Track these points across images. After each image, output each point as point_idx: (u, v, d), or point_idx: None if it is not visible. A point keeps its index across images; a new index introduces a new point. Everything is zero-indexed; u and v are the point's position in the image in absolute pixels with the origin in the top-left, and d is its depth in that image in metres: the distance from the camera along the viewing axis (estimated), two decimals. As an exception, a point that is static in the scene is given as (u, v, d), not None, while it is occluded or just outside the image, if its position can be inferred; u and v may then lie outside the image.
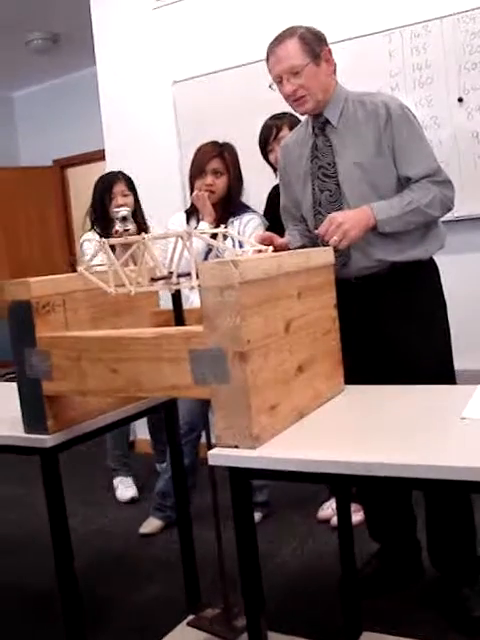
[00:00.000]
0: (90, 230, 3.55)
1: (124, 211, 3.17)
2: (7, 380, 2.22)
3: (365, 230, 2.16)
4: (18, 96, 6.66)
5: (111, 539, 3.23)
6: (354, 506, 2.79)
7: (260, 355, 1.54)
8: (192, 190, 3.09)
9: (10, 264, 6.29)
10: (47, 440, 1.85)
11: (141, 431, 4.44)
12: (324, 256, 1.93)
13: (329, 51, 2.32)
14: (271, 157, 3.08)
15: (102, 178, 3.57)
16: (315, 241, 2.32)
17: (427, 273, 2.36)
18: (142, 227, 3.50)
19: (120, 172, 3.63)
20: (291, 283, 1.71)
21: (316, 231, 2.20)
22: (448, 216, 2.84)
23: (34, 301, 1.81)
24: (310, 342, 1.79)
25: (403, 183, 2.25)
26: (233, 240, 2.93)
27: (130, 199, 3.49)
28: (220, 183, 3.06)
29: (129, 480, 3.82)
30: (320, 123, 2.36)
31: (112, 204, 3.41)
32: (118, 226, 3.17)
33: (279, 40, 2.30)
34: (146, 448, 4.38)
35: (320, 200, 2.36)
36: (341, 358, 1.98)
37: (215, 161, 3.05)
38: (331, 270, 1.94)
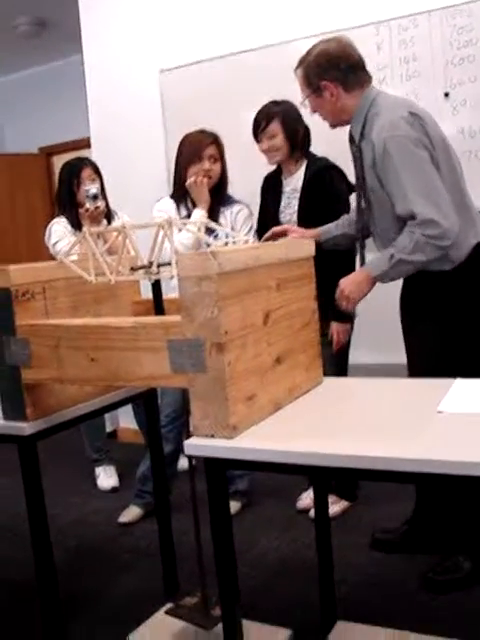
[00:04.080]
0: (58, 216, 3.52)
1: (94, 189, 3.18)
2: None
3: (365, 288, 2.32)
4: (3, 82, 6.59)
5: (91, 528, 3.22)
6: (332, 498, 2.81)
7: (238, 346, 1.54)
8: (181, 177, 3.08)
9: (-5, 251, 6.25)
10: (25, 428, 1.85)
11: (124, 419, 4.44)
12: (304, 248, 1.94)
13: (331, 81, 2.34)
14: (259, 147, 3.03)
15: (68, 164, 3.53)
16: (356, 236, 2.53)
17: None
18: (108, 213, 3.49)
19: (86, 158, 3.61)
20: (270, 274, 1.71)
21: None
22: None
23: (13, 289, 1.80)
24: (289, 334, 1.80)
25: None
26: (226, 232, 2.94)
27: (97, 184, 3.47)
28: (217, 169, 3.05)
29: (111, 469, 3.81)
30: (350, 134, 2.43)
31: (80, 189, 3.39)
32: (89, 204, 3.17)
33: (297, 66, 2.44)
34: (129, 437, 4.38)
35: (360, 206, 2.48)
36: (320, 350, 1.99)
37: (211, 147, 3.03)
38: (311, 263, 1.95)
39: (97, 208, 3.19)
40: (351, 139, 2.43)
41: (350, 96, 2.36)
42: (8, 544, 3.02)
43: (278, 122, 2.96)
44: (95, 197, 3.16)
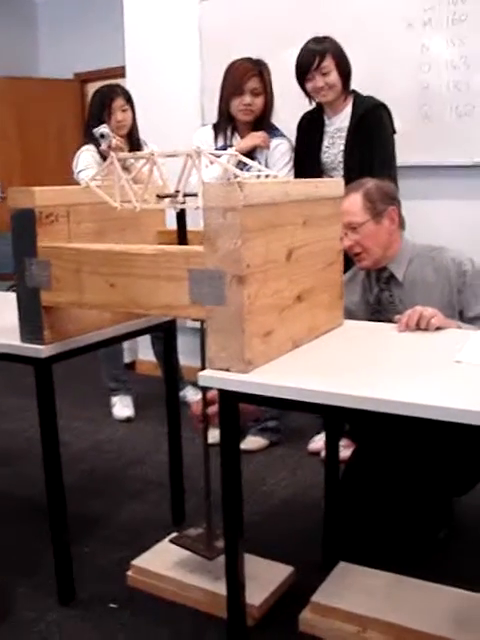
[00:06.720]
0: (87, 144, 3.43)
1: (102, 128, 3.11)
2: (11, 291, 2.22)
3: (447, 326, 2.00)
4: (40, 2, 6.45)
5: (104, 456, 3.27)
6: (344, 441, 2.82)
7: (258, 280, 1.52)
8: (225, 105, 3.02)
9: (25, 176, 6.21)
10: (42, 350, 1.86)
11: (143, 351, 4.46)
12: (334, 187, 1.90)
13: (395, 210, 2.30)
14: (309, 86, 2.95)
15: (100, 92, 3.43)
16: None
17: None
18: (136, 144, 3.44)
19: (118, 85, 3.50)
20: (297, 211, 1.68)
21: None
22: (467, 161, 2.79)
23: (38, 210, 1.79)
24: (312, 272, 1.78)
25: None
26: (260, 162, 2.90)
27: (128, 114, 3.39)
28: (259, 102, 2.99)
29: (128, 399, 3.84)
30: (385, 277, 2.35)
31: (111, 120, 3.33)
32: (102, 144, 3.12)
33: (346, 192, 2.26)
34: (147, 369, 4.40)
35: None
36: (342, 292, 1.96)
37: (254, 80, 2.96)
38: (339, 203, 1.91)
39: (109, 147, 3.13)
40: (386, 282, 2.35)
41: (399, 232, 2.34)
42: (25, 463, 3.08)
43: (331, 58, 2.87)
44: (102, 136, 3.10)
